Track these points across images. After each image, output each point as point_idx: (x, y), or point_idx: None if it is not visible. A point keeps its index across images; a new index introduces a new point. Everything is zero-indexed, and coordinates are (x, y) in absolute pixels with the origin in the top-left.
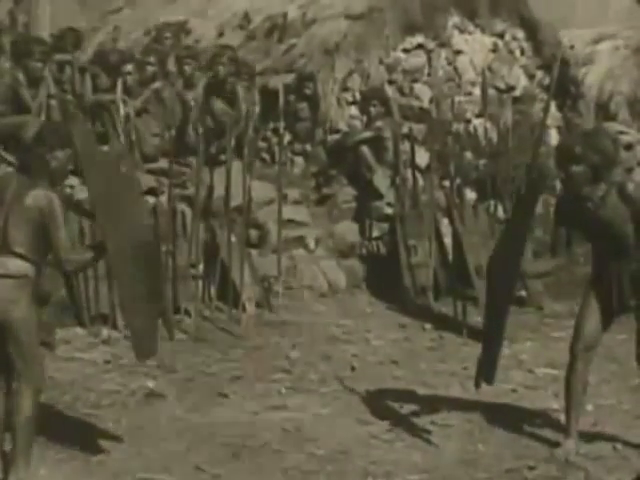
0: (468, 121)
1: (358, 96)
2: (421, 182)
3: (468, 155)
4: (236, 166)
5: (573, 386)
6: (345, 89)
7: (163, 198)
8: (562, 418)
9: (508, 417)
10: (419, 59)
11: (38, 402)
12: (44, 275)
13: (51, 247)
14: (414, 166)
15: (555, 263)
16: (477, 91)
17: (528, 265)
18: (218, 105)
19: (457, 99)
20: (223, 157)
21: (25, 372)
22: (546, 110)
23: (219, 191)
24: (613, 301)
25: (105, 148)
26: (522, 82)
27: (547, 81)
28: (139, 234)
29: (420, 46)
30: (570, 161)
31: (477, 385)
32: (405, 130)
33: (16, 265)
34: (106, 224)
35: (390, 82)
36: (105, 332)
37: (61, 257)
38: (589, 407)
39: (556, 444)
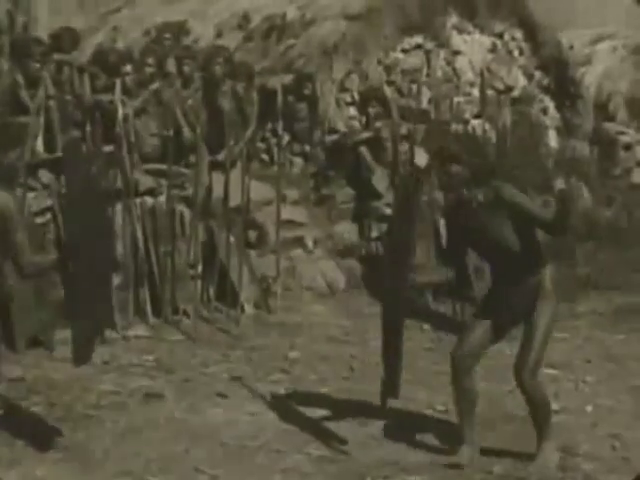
0: (467, 122)
1: (357, 97)
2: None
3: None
4: (235, 167)
5: (459, 393)
6: (344, 89)
7: (162, 199)
8: (561, 418)
9: (508, 417)
10: (418, 59)
11: None
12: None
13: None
14: (413, 167)
15: (441, 275)
16: (476, 92)
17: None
18: (226, 105)
19: (456, 99)
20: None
21: None
22: None
23: (218, 192)
24: (504, 312)
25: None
26: (521, 82)
27: (546, 81)
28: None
29: (419, 46)
30: (448, 160)
31: (383, 403)
32: (404, 131)
33: None
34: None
35: (389, 83)
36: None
37: (21, 260)
38: (588, 408)
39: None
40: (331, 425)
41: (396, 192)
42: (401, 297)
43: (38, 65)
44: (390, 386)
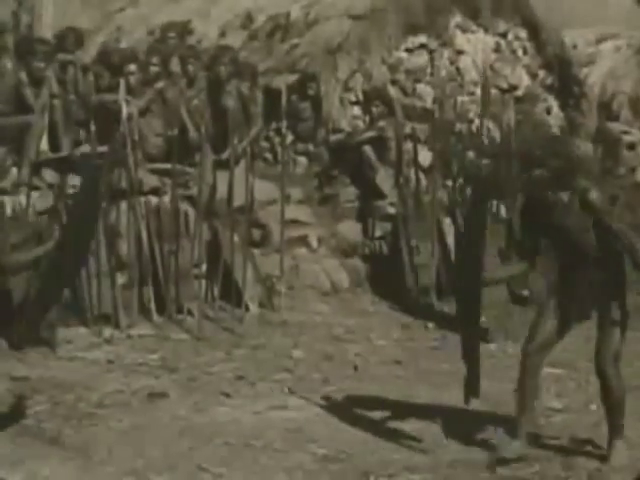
0: (471, 121)
1: (361, 96)
2: (424, 182)
3: (471, 155)
4: (239, 166)
5: (524, 388)
6: (347, 89)
7: (166, 198)
8: (564, 417)
9: (510, 417)
10: (422, 59)
11: None
12: None
13: None
14: (417, 166)
15: (514, 269)
16: (480, 91)
17: (486, 272)
18: (230, 103)
19: (460, 99)
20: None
21: None
22: None
23: (222, 191)
24: (573, 308)
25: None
26: (524, 82)
27: (550, 81)
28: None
29: (423, 46)
30: (532, 164)
31: (467, 402)
32: (408, 130)
33: None
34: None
35: (393, 82)
36: (108, 332)
37: (1, 260)
38: (592, 407)
39: (557, 445)
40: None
41: (471, 198)
42: (478, 297)
43: (42, 64)
44: (472, 386)
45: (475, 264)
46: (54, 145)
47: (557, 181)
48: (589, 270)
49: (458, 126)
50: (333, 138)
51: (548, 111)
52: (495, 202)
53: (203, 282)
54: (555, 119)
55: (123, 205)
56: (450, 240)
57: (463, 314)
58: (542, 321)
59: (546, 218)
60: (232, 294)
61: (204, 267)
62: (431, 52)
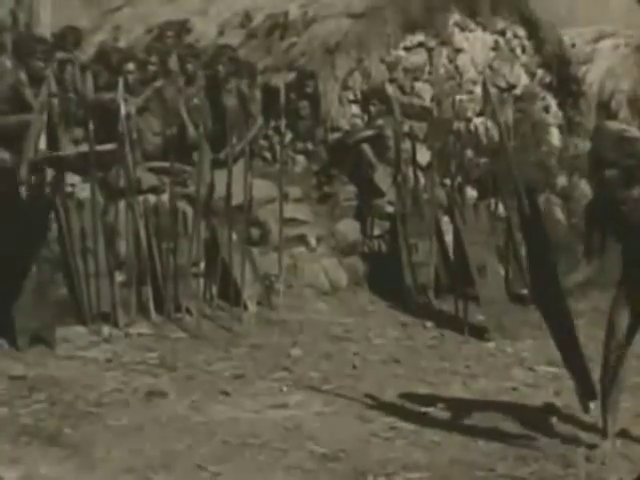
0: (469, 119)
1: (359, 95)
2: (422, 180)
3: (469, 153)
4: (237, 164)
5: (606, 386)
6: (346, 87)
7: (164, 196)
8: (561, 416)
9: (509, 415)
10: (420, 57)
11: None
12: None
13: None
14: (415, 164)
15: (590, 270)
16: (478, 89)
17: (563, 279)
18: (231, 102)
19: (458, 97)
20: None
21: None
22: None
23: (220, 189)
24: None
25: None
26: (523, 80)
27: (548, 79)
28: None
29: (421, 44)
30: (603, 166)
31: (585, 408)
32: (406, 128)
33: None
34: None
35: (391, 80)
36: (106, 330)
37: None
38: (591, 405)
39: (558, 443)
40: (329, 421)
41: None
42: (564, 306)
43: (41, 63)
44: (587, 391)
45: (554, 273)
46: (52, 144)
47: (628, 179)
48: None
49: (456, 124)
50: (332, 137)
51: (546, 110)
52: (494, 201)
53: (201, 281)
54: (553, 118)
55: (121, 204)
56: (448, 239)
57: (555, 325)
58: (617, 321)
59: (615, 215)
60: (230, 293)
61: (202, 266)
62: (429, 50)
